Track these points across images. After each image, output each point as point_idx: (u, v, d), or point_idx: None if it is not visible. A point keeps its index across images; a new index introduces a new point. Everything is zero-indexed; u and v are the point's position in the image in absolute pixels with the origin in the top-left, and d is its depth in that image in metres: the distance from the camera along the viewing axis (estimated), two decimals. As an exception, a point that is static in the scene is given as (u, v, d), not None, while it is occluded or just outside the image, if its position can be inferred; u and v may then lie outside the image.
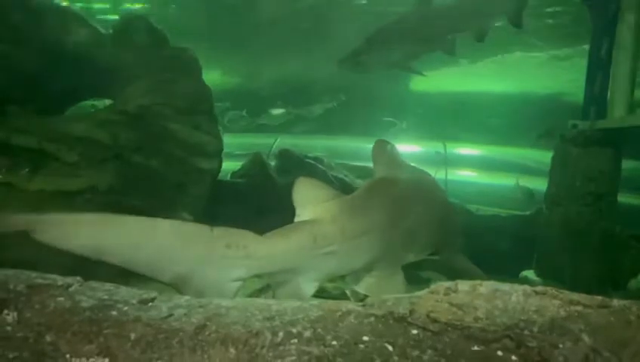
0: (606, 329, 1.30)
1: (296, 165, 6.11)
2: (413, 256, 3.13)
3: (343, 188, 5.84)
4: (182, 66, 5.57)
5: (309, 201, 2.65)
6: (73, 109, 5.91)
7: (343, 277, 2.98)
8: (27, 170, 4.25)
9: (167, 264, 2.22)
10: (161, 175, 5.11)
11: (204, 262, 2.28)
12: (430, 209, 3.35)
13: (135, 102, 5.16)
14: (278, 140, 9.08)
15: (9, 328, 1.33)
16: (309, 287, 2.58)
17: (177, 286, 2.25)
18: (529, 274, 5.14)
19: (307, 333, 1.38)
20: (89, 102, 6.16)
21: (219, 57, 10.51)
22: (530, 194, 6.89)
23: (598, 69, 5.08)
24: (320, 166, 6.13)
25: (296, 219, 2.61)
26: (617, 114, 4.81)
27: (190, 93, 5.50)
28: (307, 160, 6.15)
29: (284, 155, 6.28)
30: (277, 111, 11.08)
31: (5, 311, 1.38)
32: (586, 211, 4.73)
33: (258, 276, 2.53)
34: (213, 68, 10.77)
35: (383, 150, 3.35)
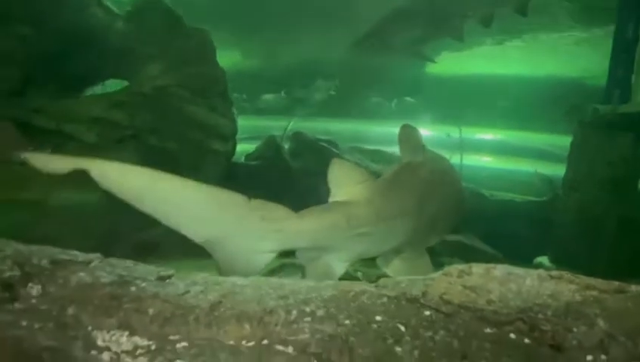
0: (622, 314, 1.29)
1: (309, 148, 6.11)
2: (435, 239, 3.20)
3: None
4: (197, 48, 5.57)
5: (344, 182, 2.70)
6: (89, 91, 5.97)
7: (370, 259, 3.03)
8: (49, 150, 4.34)
9: (202, 226, 2.34)
10: (177, 156, 5.17)
11: (237, 230, 2.38)
12: (450, 193, 3.48)
13: (151, 83, 5.20)
14: (292, 123, 9.05)
15: (34, 301, 1.39)
16: (339, 267, 2.65)
17: (209, 249, 2.38)
18: (543, 260, 5.10)
19: (320, 312, 1.40)
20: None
21: (237, 39, 10.41)
22: (548, 181, 6.78)
23: (623, 51, 4.91)
24: (334, 149, 6.12)
25: (330, 200, 2.67)
26: (641, 98, 4.67)
27: (205, 74, 5.52)
28: (321, 143, 6.14)
29: (298, 138, 6.28)
30: (269, 96, 11.11)
31: (30, 284, 1.43)
32: (604, 197, 4.64)
33: (289, 251, 2.60)
34: (232, 49, 10.70)
35: (408, 134, 3.44)
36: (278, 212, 2.42)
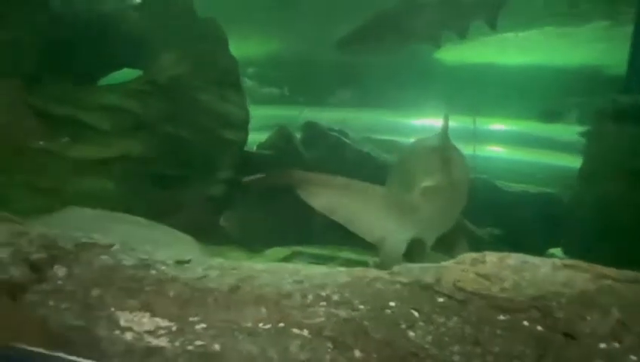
0: (636, 303, 1.29)
1: (321, 138, 6.11)
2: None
3: (369, 162, 5.87)
4: (209, 37, 5.59)
5: (435, 170, 2.88)
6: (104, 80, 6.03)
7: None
8: (67, 138, 4.43)
9: (377, 225, 2.66)
10: (191, 145, 5.23)
11: (397, 224, 2.66)
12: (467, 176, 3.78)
13: (165, 73, 5.24)
14: (305, 112, 9.04)
15: (60, 282, 1.44)
16: (428, 247, 2.90)
17: (380, 245, 2.67)
18: (556, 251, 5.06)
19: (335, 297, 1.43)
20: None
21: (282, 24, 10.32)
22: None
23: (644, 40, 4.80)
24: (345, 139, 6.12)
25: (422, 185, 2.82)
26: (662, 88, 4.56)
27: (218, 64, 5.54)
28: (332, 133, 6.13)
29: (310, 128, 6.28)
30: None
31: (56, 266, 1.48)
32: (621, 189, 4.58)
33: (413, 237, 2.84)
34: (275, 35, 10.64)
35: (447, 122, 3.63)
36: (413, 202, 2.65)
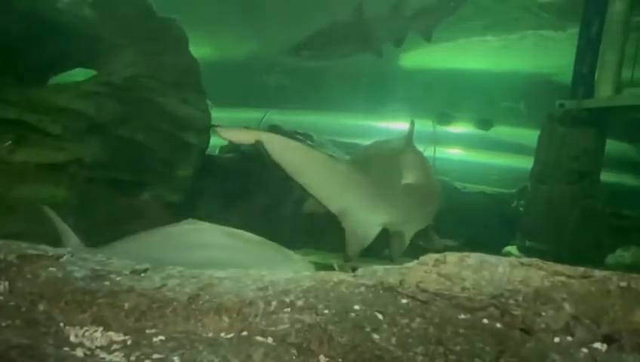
0: (587, 298, 1.35)
1: (285, 141, 6.08)
2: None
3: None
4: (169, 38, 5.43)
5: (415, 166, 3.08)
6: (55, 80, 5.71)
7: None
8: (10, 142, 4.15)
9: (337, 197, 2.77)
10: (148, 149, 5.04)
11: (361, 203, 2.79)
12: None
13: (120, 73, 5.03)
14: (267, 115, 8.97)
15: (1, 297, 1.33)
16: (408, 241, 3.09)
17: (341, 218, 2.78)
18: (512, 249, 5.28)
19: (300, 302, 1.41)
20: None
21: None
22: None
23: (588, 49, 5.11)
24: (309, 142, 6.12)
25: (403, 182, 2.98)
26: (604, 94, 4.87)
27: (177, 65, 5.38)
28: (297, 136, 6.11)
29: (274, 131, 6.23)
30: None
31: (-4, 280, 1.37)
32: (569, 189, 4.85)
33: (389, 225, 2.98)
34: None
35: (413, 127, 3.83)
36: (388, 189, 2.80)
